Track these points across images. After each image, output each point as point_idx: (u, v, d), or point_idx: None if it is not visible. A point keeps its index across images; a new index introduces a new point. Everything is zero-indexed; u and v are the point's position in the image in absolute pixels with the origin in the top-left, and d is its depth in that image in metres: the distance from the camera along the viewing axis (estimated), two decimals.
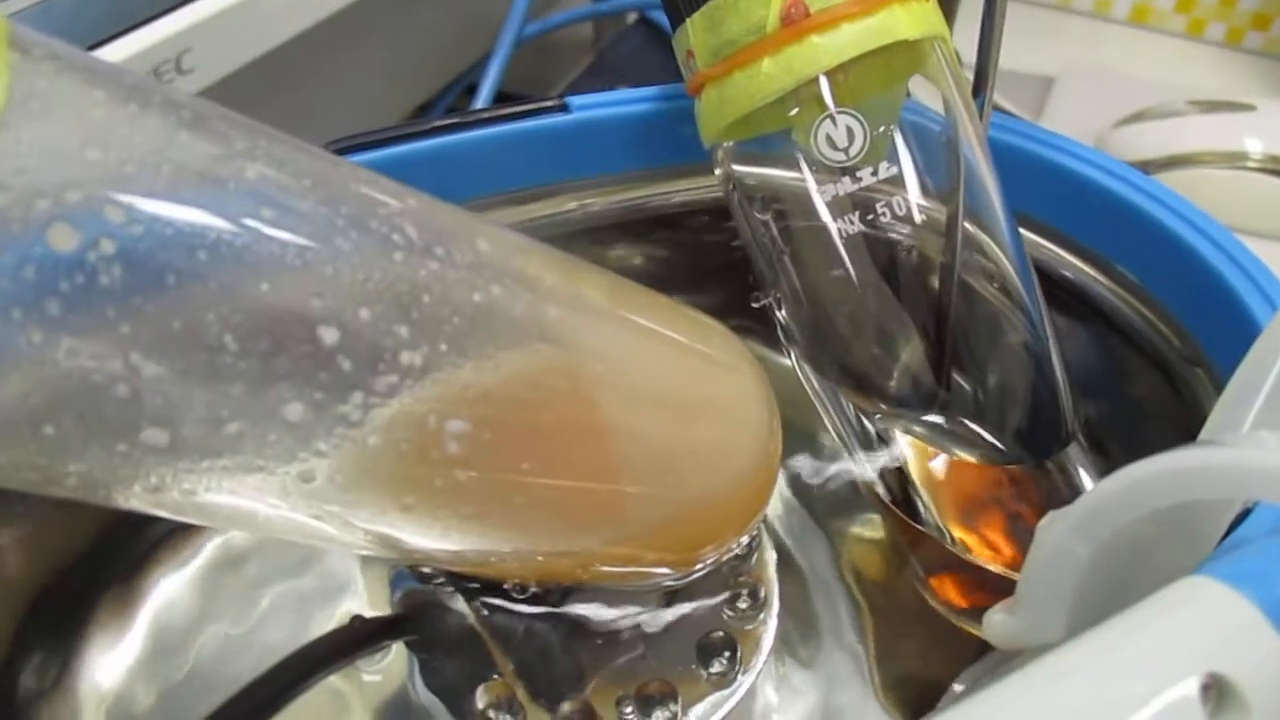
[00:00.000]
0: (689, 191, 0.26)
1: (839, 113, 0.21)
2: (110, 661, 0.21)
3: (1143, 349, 0.23)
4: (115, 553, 0.22)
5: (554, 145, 0.24)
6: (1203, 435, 0.17)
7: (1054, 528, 0.16)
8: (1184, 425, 0.22)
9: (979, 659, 0.19)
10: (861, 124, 0.21)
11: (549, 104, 0.24)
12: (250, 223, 0.13)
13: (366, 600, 0.23)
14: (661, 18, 0.54)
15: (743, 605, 0.20)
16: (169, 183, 0.13)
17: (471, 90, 0.52)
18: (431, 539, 0.16)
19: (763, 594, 0.20)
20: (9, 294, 0.12)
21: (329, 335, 0.14)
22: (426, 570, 0.20)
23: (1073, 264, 0.25)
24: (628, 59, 0.54)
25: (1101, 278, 0.24)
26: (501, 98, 0.47)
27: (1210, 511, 0.16)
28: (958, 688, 0.18)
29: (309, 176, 0.15)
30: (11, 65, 0.12)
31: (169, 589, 0.22)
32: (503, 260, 0.16)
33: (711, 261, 0.25)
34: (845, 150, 0.21)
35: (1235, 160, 0.49)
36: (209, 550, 0.23)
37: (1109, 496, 0.15)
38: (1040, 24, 0.64)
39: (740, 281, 0.24)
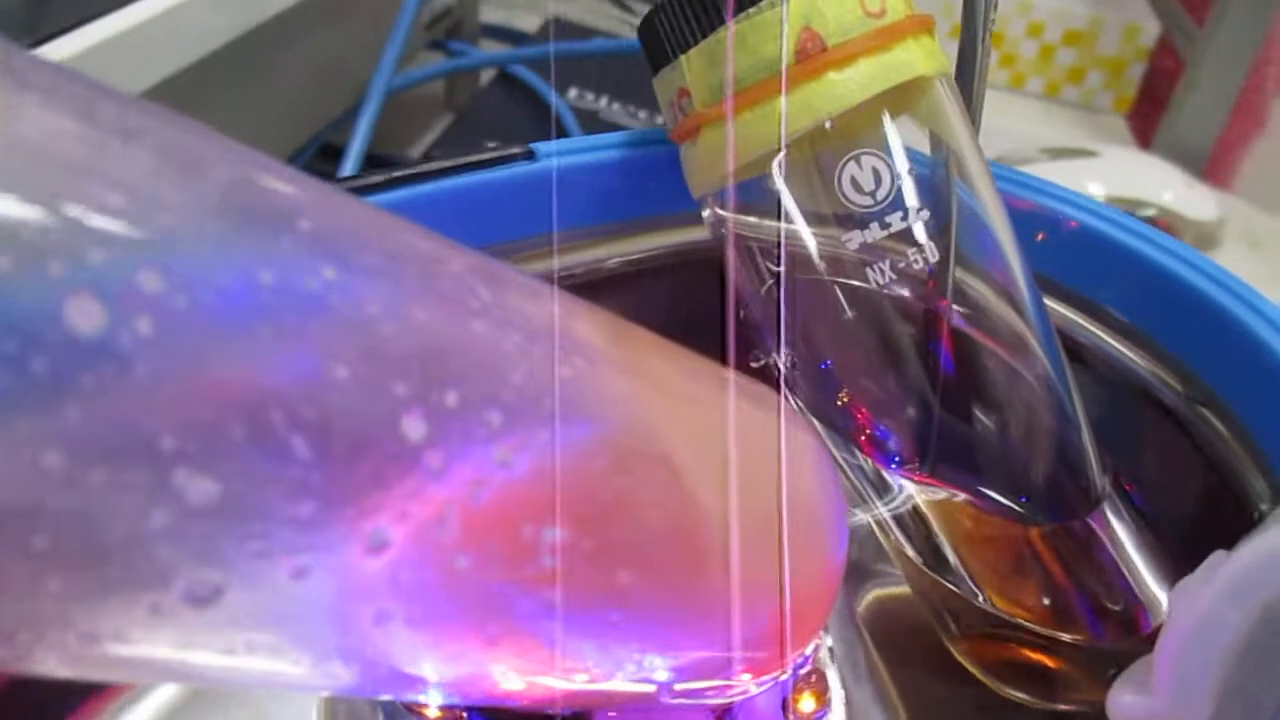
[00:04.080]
0: (667, 244, 0.24)
1: (864, 154, 0.19)
2: None
3: (1146, 396, 0.23)
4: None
5: (521, 196, 0.21)
6: None
7: (1200, 594, 0.14)
8: (1200, 469, 0.22)
9: None
10: (888, 165, 0.19)
11: (514, 151, 0.21)
12: (315, 288, 0.10)
13: None
14: (523, 73, 0.52)
15: (806, 707, 0.18)
16: (215, 237, 0.10)
17: (326, 151, 0.48)
18: (501, 675, 0.13)
19: (827, 695, 0.18)
20: (10, 396, 0.08)
21: (415, 429, 0.11)
22: (428, 705, 0.17)
23: (1061, 312, 0.24)
24: (490, 117, 0.51)
25: (1091, 324, 0.24)
26: (370, 160, 0.43)
27: None
28: None
29: (361, 226, 0.11)
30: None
31: None
32: (574, 325, 0.13)
33: (699, 317, 0.23)
34: (872, 194, 0.19)
35: None
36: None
37: (1267, 557, 0.14)
38: None
39: (736, 337, 0.22)
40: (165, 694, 0.18)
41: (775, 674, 0.16)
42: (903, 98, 0.20)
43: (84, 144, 0.09)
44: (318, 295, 0.10)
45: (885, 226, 0.19)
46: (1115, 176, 0.52)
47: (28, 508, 0.08)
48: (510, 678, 0.13)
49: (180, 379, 0.09)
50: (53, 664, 0.10)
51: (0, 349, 0.08)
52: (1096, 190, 0.52)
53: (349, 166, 0.41)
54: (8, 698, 0.16)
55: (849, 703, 0.19)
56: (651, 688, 0.15)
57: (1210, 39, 0.58)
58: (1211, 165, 0.61)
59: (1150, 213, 0.52)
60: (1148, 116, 0.66)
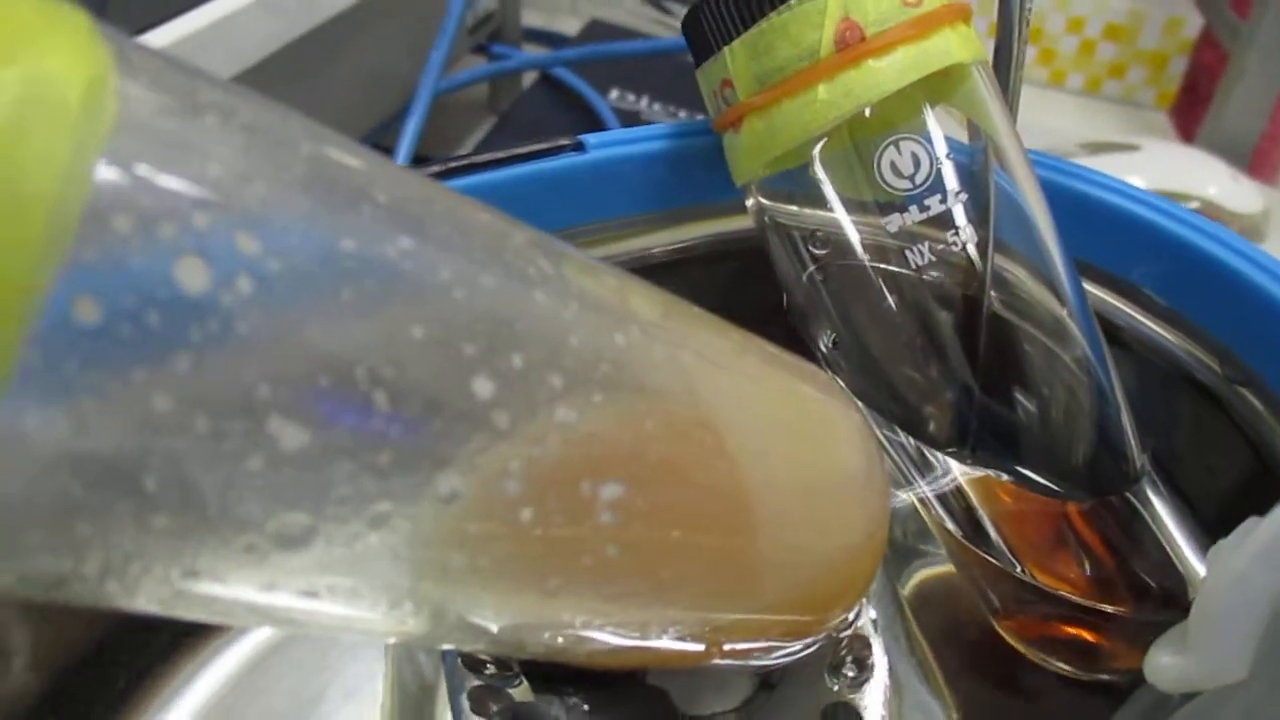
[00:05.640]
0: (711, 233, 0.24)
1: (903, 139, 0.20)
2: None
3: (1184, 376, 0.23)
4: (118, 664, 0.18)
5: (570, 186, 0.22)
6: None
7: (1234, 556, 0.15)
8: (1239, 447, 0.22)
9: (1123, 704, 0.18)
10: (928, 150, 0.20)
11: (564, 143, 0.22)
12: (393, 255, 0.11)
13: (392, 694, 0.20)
14: (565, 75, 0.53)
15: (849, 673, 0.18)
16: (303, 206, 0.10)
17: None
18: (559, 628, 0.14)
19: (870, 659, 0.18)
20: (131, 347, 0.09)
21: (484, 388, 0.11)
22: (484, 658, 0.18)
23: (1098, 296, 0.24)
24: (533, 119, 0.52)
25: (1129, 307, 0.24)
26: (417, 161, 0.44)
27: None
28: None
29: (432, 200, 0.12)
30: (115, 61, 0.09)
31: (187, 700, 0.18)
32: (627, 297, 0.14)
33: (743, 303, 0.23)
34: (911, 178, 0.20)
35: None
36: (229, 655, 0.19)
37: None
38: None
39: (779, 321, 0.22)
40: (246, 645, 0.19)
41: (818, 638, 0.17)
42: (940, 85, 0.21)
43: (187, 122, 0.10)
44: (395, 262, 0.11)
45: (924, 209, 0.20)
46: (1158, 170, 0.52)
47: (140, 450, 0.09)
48: (566, 633, 0.14)
49: (275, 335, 0.10)
50: (155, 599, 0.11)
51: (120, 303, 0.09)
52: (1139, 184, 0.52)
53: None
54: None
55: (891, 671, 0.19)
56: (699, 647, 0.15)
57: (1254, 31, 0.57)
58: (1256, 158, 0.61)
59: (1194, 206, 0.52)
60: (1190, 111, 0.65)
